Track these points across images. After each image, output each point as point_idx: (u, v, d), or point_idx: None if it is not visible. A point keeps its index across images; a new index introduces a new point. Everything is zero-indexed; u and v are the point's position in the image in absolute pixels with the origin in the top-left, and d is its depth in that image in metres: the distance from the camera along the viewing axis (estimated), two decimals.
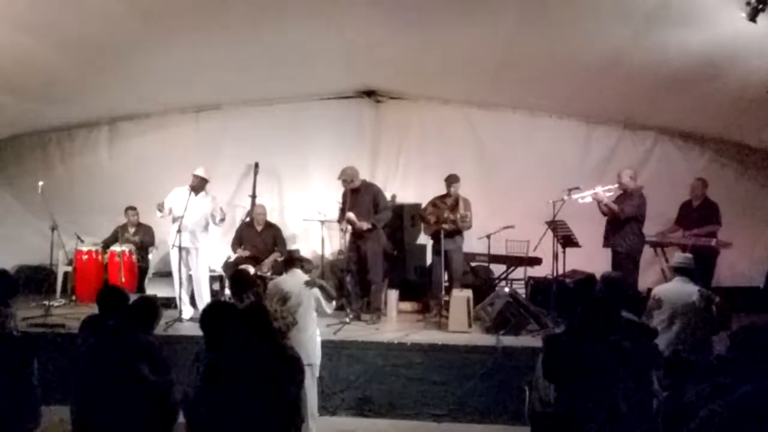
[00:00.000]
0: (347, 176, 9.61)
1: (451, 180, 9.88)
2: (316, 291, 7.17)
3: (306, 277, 7.28)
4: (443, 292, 9.59)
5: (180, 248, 9.34)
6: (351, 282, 9.77)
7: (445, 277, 9.83)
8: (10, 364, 5.37)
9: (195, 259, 9.54)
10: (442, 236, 9.59)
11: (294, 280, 7.23)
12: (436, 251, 9.85)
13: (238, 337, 4.50)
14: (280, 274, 8.16)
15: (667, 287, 7.05)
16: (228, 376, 4.34)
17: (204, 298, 9.50)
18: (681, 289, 6.84)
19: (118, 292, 5.83)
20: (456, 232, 9.80)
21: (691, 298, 6.72)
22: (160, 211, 9.36)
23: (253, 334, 4.52)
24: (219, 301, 6.12)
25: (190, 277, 9.58)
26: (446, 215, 9.76)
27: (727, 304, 6.87)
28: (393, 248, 10.73)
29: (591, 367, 4.78)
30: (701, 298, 6.72)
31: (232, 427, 4.29)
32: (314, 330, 7.09)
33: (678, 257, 7.28)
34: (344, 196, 9.73)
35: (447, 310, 9.16)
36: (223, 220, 9.79)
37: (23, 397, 5.42)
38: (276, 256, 10.27)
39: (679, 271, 7.00)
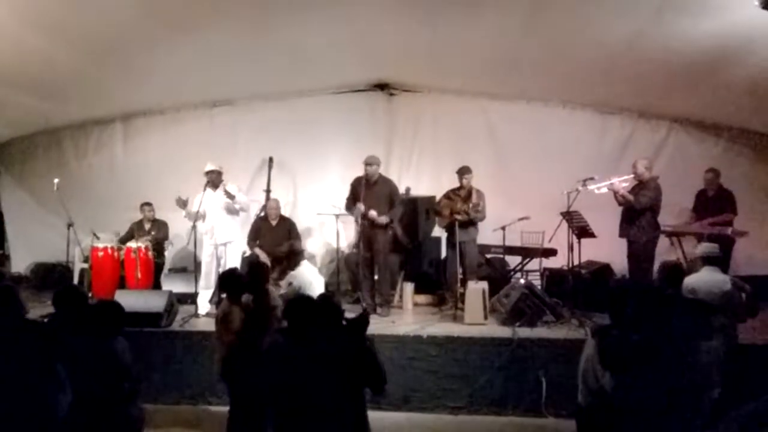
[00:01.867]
0: (374, 161, 9.63)
1: (463, 171, 9.86)
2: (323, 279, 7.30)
3: (315, 267, 7.39)
4: (459, 285, 9.58)
5: (216, 246, 9.65)
6: (364, 276, 9.75)
7: (461, 269, 9.82)
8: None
9: (229, 253, 9.70)
10: (456, 228, 9.58)
11: (310, 270, 7.36)
12: (451, 243, 9.84)
13: (320, 326, 4.60)
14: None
15: (699, 277, 6.97)
16: (310, 362, 4.40)
17: None
18: (714, 279, 6.80)
19: (77, 293, 5.64)
20: (470, 224, 9.78)
21: (725, 287, 6.69)
22: (183, 207, 9.49)
23: (332, 322, 4.64)
24: (302, 295, 6.16)
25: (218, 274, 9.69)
26: (459, 206, 9.75)
27: (756, 293, 6.86)
28: (408, 241, 10.73)
29: (649, 356, 4.81)
30: (734, 287, 6.71)
31: (316, 408, 4.35)
32: None
33: (706, 247, 7.22)
34: (356, 185, 9.74)
35: (463, 302, 9.14)
36: (234, 198, 9.71)
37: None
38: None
39: (709, 260, 6.97)
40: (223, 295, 6.94)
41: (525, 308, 8.79)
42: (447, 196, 10.05)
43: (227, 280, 6.71)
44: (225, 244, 9.67)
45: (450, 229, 9.86)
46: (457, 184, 9.99)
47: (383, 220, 9.51)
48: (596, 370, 5.04)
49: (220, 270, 9.65)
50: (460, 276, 9.71)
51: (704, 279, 6.87)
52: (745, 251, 10.17)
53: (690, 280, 6.99)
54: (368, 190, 9.55)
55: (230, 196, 9.54)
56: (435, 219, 10.58)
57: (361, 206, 9.39)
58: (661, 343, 4.91)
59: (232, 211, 9.72)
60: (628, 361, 4.87)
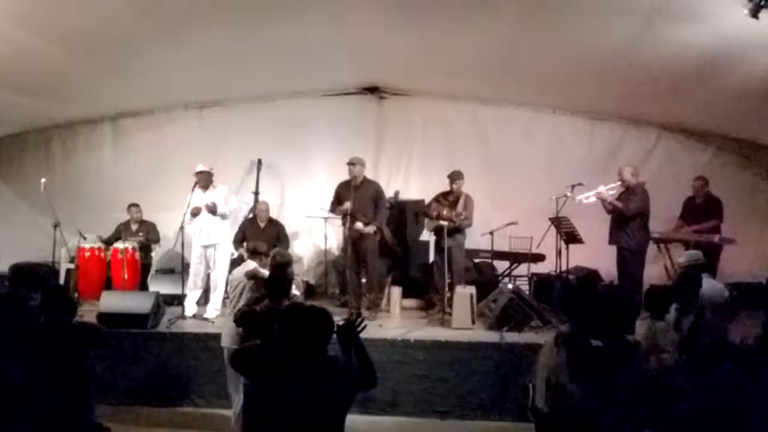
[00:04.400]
0: (358, 161, 9.58)
1: (454, 177, 9.82)
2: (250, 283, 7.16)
3: (249, 267, 7.32)
4: (446, 289, 9.57)
5: (205, 247, 9.55)
6: (351, 279, 9.72)
7: (448, 274, 9.81)
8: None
9: (218, 254, 9.60)
10: (444, 232, 9.57)
11: (239, 270, 7.39)
12: (439, 248, 9.82)
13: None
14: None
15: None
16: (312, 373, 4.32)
17: (220, 293, 9.50)
18: (714, 287, 6.82)
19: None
20: (457, 230, 9.74)
21: (723, 294, 6.71)
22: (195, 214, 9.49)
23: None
24: (298, 303, 6.05)
25: (208, 276, 9.65)
26: (445, 212, 9.71)
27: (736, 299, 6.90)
28: (397, 244, 10.72)
29: (616, 364, 4.80)
30: (728, 294, 6.74)
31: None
32: None
33: (690, 255, 7.23)
34: (340, 190, 9.72)
35: (450, 306, 9.14)
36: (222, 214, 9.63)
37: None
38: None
39: (697, 268, 6.98)
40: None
41: (512, 313, 8.80)
42: (436, 199, 10.01)
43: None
44: (214, 245, 9.58)
45: (438, 233, 9.84)
46: (445, 188, 9.96)
47: (370, 230, 9.51)
48: (560, 378, 5.00)
49: (209, 272, 9.61)
50: (447, 281, 9.70)
51: (706, 287, 6.85)
52: (732, 258, 10.19)
53: None
54: (354, 192, 9.52)
55: (212, 211, 9.48)
56: (424, 223, 10.55)
57: (347, 204, 9.38)
58: (626, 350, 4.92)
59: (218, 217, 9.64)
60: (596, 369, 4.85)
